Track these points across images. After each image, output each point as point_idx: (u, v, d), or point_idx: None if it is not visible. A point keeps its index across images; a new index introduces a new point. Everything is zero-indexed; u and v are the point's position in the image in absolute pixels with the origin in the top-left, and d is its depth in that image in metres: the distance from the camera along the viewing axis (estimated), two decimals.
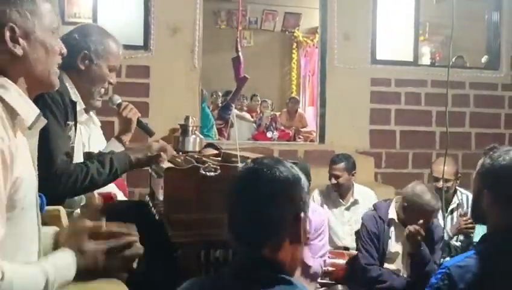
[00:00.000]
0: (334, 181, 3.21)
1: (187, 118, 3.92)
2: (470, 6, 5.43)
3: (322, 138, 4.35)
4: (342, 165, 3.20)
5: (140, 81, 4.04)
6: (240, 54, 1.85)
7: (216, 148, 2.17)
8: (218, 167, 1.34)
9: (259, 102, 6.91)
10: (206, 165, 1.34)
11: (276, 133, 5.92)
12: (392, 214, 2.56)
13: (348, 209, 3.22)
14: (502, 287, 1.30)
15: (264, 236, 1.00)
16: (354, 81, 4.29)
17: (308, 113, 6.94)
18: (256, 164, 1.05)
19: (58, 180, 1.43)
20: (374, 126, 4.34)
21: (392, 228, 2.57)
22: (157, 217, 1.52)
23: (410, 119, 4.38)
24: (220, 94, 6.04)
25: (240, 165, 1.40)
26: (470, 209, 1.62)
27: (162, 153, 1.64)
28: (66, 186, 1.45)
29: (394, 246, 2.55)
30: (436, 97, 4.36)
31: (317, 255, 2.47)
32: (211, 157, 1.82)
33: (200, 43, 4.13)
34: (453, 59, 5.38)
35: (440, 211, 2.91)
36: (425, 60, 6.12)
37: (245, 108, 6.95)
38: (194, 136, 3.92)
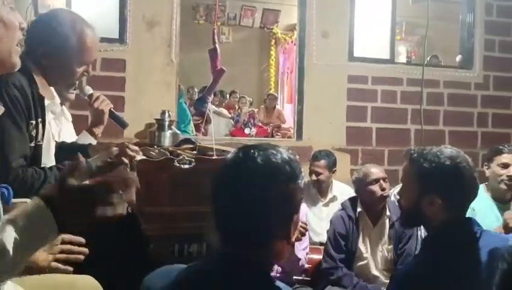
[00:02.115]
0: (314, 178, 3.23)
1: (163, 113, 3.88)
2: (445, 7, 5.54)
3: (299, 135, 4.36)
4: (323, 162, 3.23)
5: (116, 75, 3.97)
6: (217, 45, 1.82)
7: (191, 142, 2.15)
8: (193, 160, 1.32)
9: (238, 98, 6.90)
10: (181, 157, 1.31)
11: (254, 130, 5.93)
12: (360, 207, 2.61)
13: (326, 205, 3.24)
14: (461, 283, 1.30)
15: (254, 235, 0.92)
16: (331, 78, 4.31)
17: (287, 110, 6.97)
18: (252, 151, 0.93)
19: (11, 185, 1.36)
20: (351, 123, 4.37)
21: (361, 224, 2.60)
22: (129, 210, 1.49)
23: (386, 117, 4.43)
24: (197, 90, 5.99)
25: (215, 158, 1.39)
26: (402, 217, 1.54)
27: (123, 159, 1.57)
28: (19, 191, 1.37)
29: (362, 243, 2.59)
30: (411, 95, 4.42)
31: (301, 248, 2.48)
32: (186, 151, 1.80)
33: (177, 37, 4.08)
34: (428, 58, 5.48)
35: None
36: (402, 58, 6.24)
37: (223, 104, 6.93)
38: (170, 131, 3.87)
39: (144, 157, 1.48)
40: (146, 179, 1.40)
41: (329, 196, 3.25)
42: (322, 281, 2.54)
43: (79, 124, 2.01)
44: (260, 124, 6.20)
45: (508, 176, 2.58)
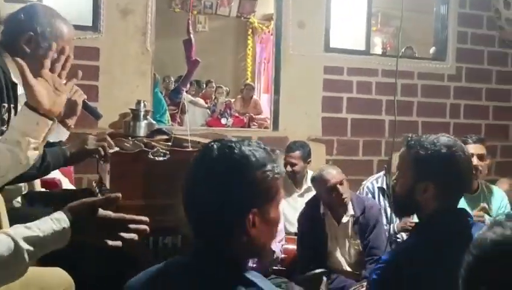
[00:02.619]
0: (289, 169, 3.25)
1: (138, 103, 3.82)
2: None
3: (275, 125, 4.36)
4: (298, 153, 3.25)
5: (89, 64, 3.88)
6: (192, 36, 1.79)
7: (166, 133, 2.12)
8: (168, 152, 1.31)
9: (214, 88, 6.85)
10: (155, 149, 1.30)
11: (230, 120, 5.90)
12: (323, 207, 2.63)
13: (301, 196, 3.27)
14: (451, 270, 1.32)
15: (213, 228, 0.93)
16: (307, 69, 4.33)
17: (263, 100, 6.95)
18: (216, 145, 0.95)
19: None
20: (326, 114, 4.40)
21: (327, 223, 2.62)
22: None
23: (361, 108, 4.48)
24: (173, 79, 5.91)
25: (190, 149, 1.38)
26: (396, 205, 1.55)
27: (100, 149, 1.56)
28: None
29: (330, 241, 2.62)
30: (386, 86, 4.47)
31: (277, 240, 2.49)
32: (161, 142, 1.78)
33: (152, 26, 4.01)
34: (403, 50, 5.55)
35: (388, 206, 3.00)
36: (377, 49, 6.28)
37: (200, 94, 6.87)
38: (145, 121, 3.82)
39: (118, 149, 1.46)
40: (120, 172, 1.39)
41: (305, 186, 3.28)
42: (299, 272, 2.55)
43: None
44: (237, 114, 6.17)
45: (473, 165, 2.63)
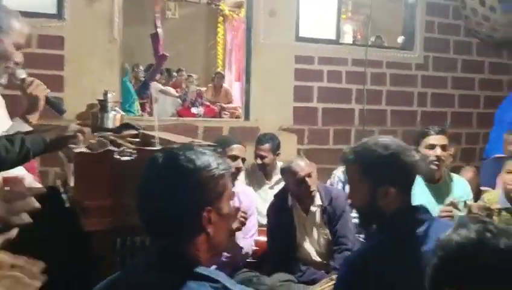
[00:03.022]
0: (259, 161, 3.27)
1: (106, 93, 3.72)
2: None
3: (247, 115, 4.35)
4: (267, 145, 3.28)
5: (54, 53, 3.76)
6: (159, 30, 1.75)
7: (134, 128, 2.09)
8: (134, 151, 1.28)
9: (185, 76, 6.76)
10: (121, 149, 1.27)
11: (201, 109, 5.86)
12: (291, 199, 2.65)
13: (272, 188, 3.28)
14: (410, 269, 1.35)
15: (170, 229, 0.97)
16: (278, 58, 4.32)
17: (235, 88, 6.91)
18: (162, 154, 1.01)
19: None
20: (298, 103, 4.42)
21: (295, 214, 2.65)
22: (67, 205, 1.44)
23: (332, 97, 4.51)
24: (142, 68, 5.80)
25: (157, 148, 1.36)
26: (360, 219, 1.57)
27: (79, 134, 1.54)
28: None
29: (299, 232, 2.64)
30: (356, 75, 4.51)
31: (247, 236, 2.50)
32: (128, 139, 1.74)
33: (120, 13, 3.92)
34: (373, 39, 5.60)
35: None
36: (348, 37, 6.31)
37: (170, 82, 6.77)
38: (113, 112, 3.72)
39: (83, 149, 1.42)
40: (85, 172, 1.35)
41: (275, 178, 3.30)
42: (269, 267, 2.57)
43: (14, 107, 1.89)
44: (208, 103, 6.12)
45: (436, 156, 2.69)
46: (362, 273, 1.32)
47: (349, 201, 1.67)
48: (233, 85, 7.21)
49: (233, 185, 2.52)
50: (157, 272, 0.96)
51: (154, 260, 0.99)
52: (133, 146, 1.45)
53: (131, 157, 1.28)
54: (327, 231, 2.62)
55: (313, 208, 2.61)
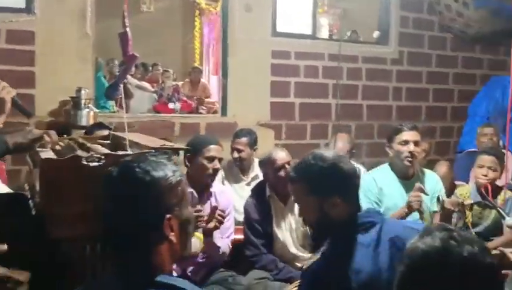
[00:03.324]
0: (236, 155, 3.25)
1: (79, 90, 3.64)
2: None
3: (224, 110, 4.33)
4: (244, 139, 3.26)
5: (24, 48, 3.66)
6: (128, 29, 1.72)
7: (106, 128, 2.05)
8: (103, 157, 1.25)
9: (161, 71, 6.66)
10: (90, 154, 1.24)
11: (178, 104, 5.79)
12: (269, 190, 2.66)
13: (248, 184, 3.27)
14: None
15: (133, 243, 0.98)
16: (255, 53, 4.30)
17: (213, 82, 6.85)
18: (117, 168, 1.02)
19: None
20: (275, 98, 4.41)
21: (273, 206, 2.66)
22: (33, 212, 1.40)
23: (309, 92, 4.52)
24: (117, 62, 5.69)
25: (128, 152, 1.33)
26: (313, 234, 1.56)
27: (45, 136, 1.50)
28: None
29: (276, 225, 2.65)
30: (332, 70, 4.53)
31: (225, 236, 2.49)
32: (99, 141, 1.70)
33: (92, 7, 3.83)
34: (349, 33, 5.63)
35: None
36: (324, 31, 6.32)
37: (146, 77, 6.68)
38: (87, 109, 3.65)
39: (49, 155, 1.38)
40: (52, 179, 1.32)
41: (252, 174, 3.29)
42: (245, 264, 2.57)
43: None
44: (185, 98, 6.06)
45: (409, 152, 2.73)
46: (321, 283, 1.34)
47: (301, 219, 1.68)
48: (211, 78, 7.15)
49: (211, 186, 2.52)
50: (120, 284, 0.96)
51: (117, 272, 0.99)
52: (103, 148, 1.42)
53: (100, 163, 1.25)
54: None
55: (291, 198, 2.62)
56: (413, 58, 4.91)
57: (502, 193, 2.93)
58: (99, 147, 1.47)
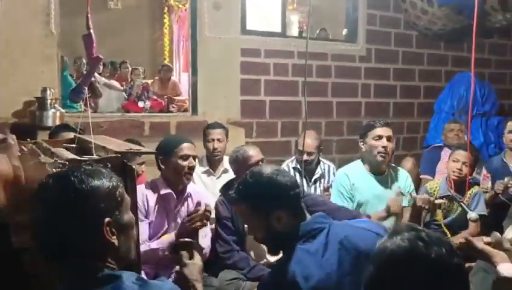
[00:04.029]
0: (216, 145, 3.27)
1: (44, 90, 3.55)
2: None
3: (194, 109, 4.30)
4: (220, 130, 3.31)
5: None
6: (92, 31, 1.69)
7: (72, 129, 2.00)
8: (67, 163, 1.23)
9: (129, 69, 6.56)
10: (54, 160, 1.21)
11: (148, 103, 5.71)
12: None
13: (218, 178, 3.28)
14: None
15: (76, 252, 1.00)
16: (224, 51, 4.28)
17: (183, 79, 6.79)
18: (52, 180, 1.04)
19: None
20: (245, 96, 4.41)
21: None
22: None
23: (279, 90, 4.54)
24: (85, 61, 5.57)
25: (94, 157, 1.31)
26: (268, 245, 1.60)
27: (7, 139, 1.45)
28: None
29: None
30: (302, 68, 4.55)
31: (203, 235, 2.47)
32: (64, 145, 1.67)
33: (57, 5, 3.74)
34: (318, 31, 5.68)
35: (305, 181, 3.12)
36: (294, 28, 6.36)
37: (115, 76, 6.56)
38: (53, 110, 3.57)
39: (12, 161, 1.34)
40: (15, 186, 1.28)
41: (221, 169, 3.31)
42: (217, 264, 2.56)
43: None
44: (155, 96, 5.98)
45: (382, 147, 2.80)
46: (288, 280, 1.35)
47: (252, 237, 1.72)
48: (181, 76, 7.08)
49: (188, 183, 2.51)
50: None
51: (63, 281, 1.02)
52: (68, 153, 1.39)
53: (64, 169, 1.22)
54: None
55: None
56: (380, 56, 4.99)
57: (471, 189, 3.02)
58: (64, 151, 1.44)
